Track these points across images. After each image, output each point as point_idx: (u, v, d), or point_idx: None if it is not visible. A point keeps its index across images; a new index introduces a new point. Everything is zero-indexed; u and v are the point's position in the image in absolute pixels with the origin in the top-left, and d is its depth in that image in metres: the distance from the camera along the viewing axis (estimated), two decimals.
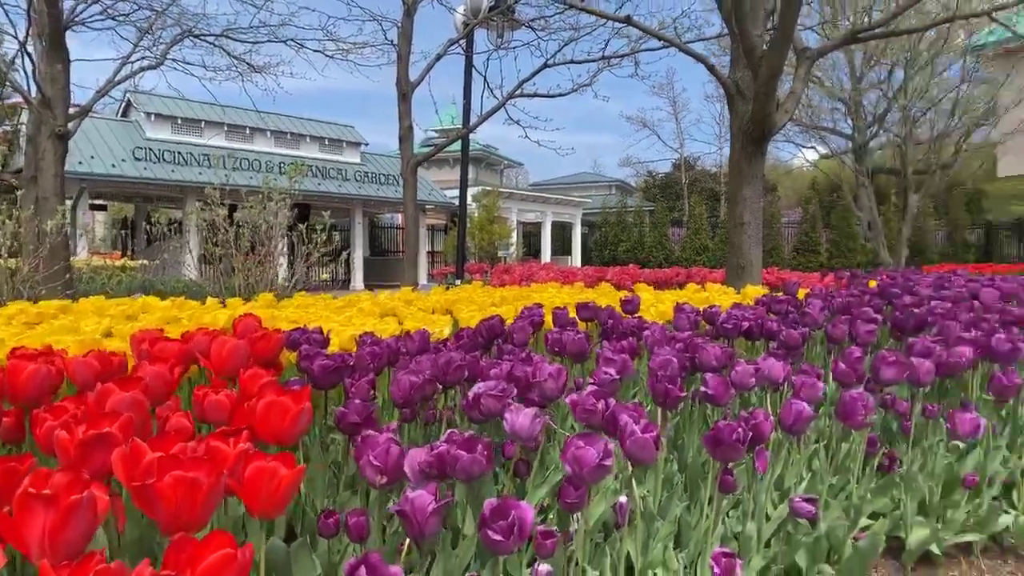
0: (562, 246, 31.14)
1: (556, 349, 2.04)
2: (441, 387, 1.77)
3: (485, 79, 8.61)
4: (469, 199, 25.70)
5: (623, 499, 1.64)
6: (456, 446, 1.31)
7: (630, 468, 1.80)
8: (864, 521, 1.95)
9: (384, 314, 3.18)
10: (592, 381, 1.75)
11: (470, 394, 1.55)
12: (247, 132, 18.78)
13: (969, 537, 1.99)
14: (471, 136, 30.29)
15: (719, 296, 3.63)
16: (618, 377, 1.76)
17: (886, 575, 1.93)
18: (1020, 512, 2.08)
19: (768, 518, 1.81)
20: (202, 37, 8.52)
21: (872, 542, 1.74)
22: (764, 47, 4.90)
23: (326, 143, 20.30)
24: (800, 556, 1.73)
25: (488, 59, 8.85)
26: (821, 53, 5.97)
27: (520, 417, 1.44)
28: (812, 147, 23.28)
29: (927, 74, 17.86)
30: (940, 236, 22.99)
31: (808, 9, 13.19)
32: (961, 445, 2.05)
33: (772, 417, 1.64)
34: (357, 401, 1.52)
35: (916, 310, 2.49)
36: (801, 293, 3.44)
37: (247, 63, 9.21)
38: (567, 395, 1.63)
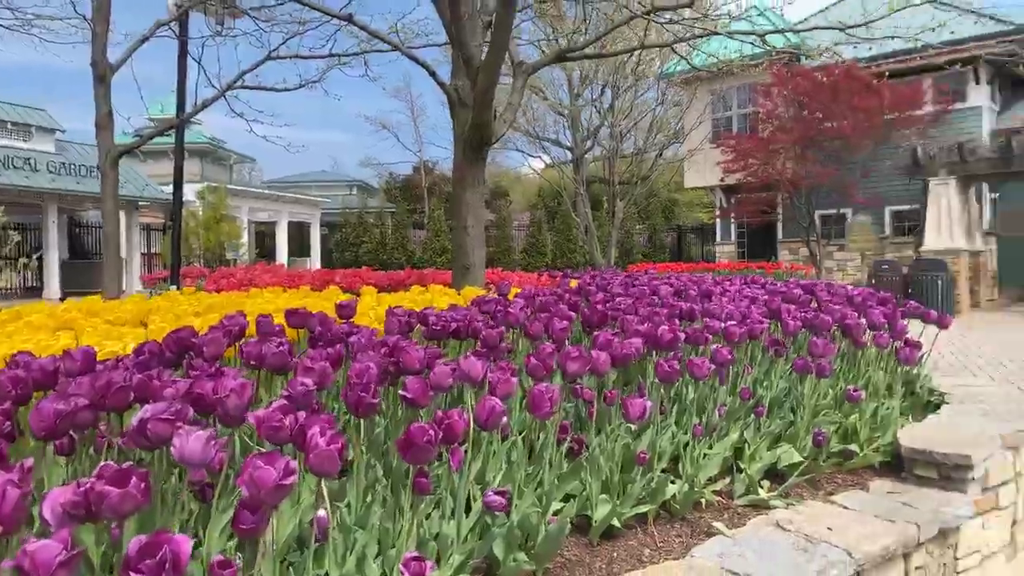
0: (300, 247, 29.95)
1: (253, 361, 1.91)
2: (105, 413, 1.55)
3: (201, 67, 7.92)
4: (193, 196, 23.56)
5: (322, 513, 1.58)
6: (106, 481, 1.15)
7: (330, 484, 1.75)
8: (556, 505, 2.10)
9: (60, 328, 2.76)
10: (285, 394, 1.66)
11: (134, 419, 1.37)
12: None
13: (643, 508, 2.25)
14: (196, 128, 27.63)
15: (440, 297, 3.71)
16: (314, 388, 1.69)
17: (577, 553, 2.10)
18: (684, 481, 2.40)
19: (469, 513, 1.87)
20: None
21: (559, 525, 1.88)
22: (482, 58, 5.13)
23: (8, 127, 17.24)
24: (497, 546, 1.81)
25: (204, 46, 8.12)
26: (535, 68, 6.41)
27: (191, 441, 1.31)
28: (538, 156, 25.06)
29: (631, 96, 20.20)
30: (643, 239, 26.12)
31: (532, 26, 14.15)
32: (633, 427, 2.30)
33: (466, 416, 1.69)
34: None
35: (600, 307, 2.76)
36: (513, 293, 3.64)
37: None
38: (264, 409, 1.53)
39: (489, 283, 5.77)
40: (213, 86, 7.79)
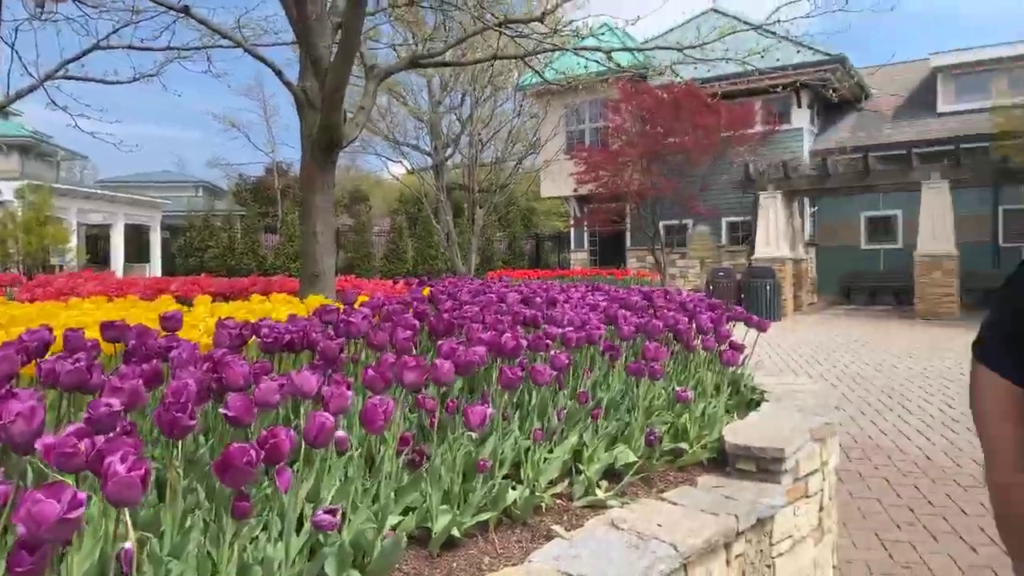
0: (139, 252, 27.79)
1: (50, 381, 1.73)
2: None
3: (15, 52, 7.15)
4: (11, 195, 21.21)
5: (128, 545, 1.45)
6: None
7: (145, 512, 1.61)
8: (395, 519, 2.06)
9: None
10: (85, 416, 1.51)
11: None
12: None
13: (485, 516, 2.26)
14: (16, 120, 24.84)
15: (281, 307, 3.55)
16: (121, 409, 1.55)
17: (416, 565, 2.07)
18: (526, 486, 2.43)
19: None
20: None
21: (395, 540, 1.84)
22: (332, 59, 4.99)
23: None
24: (329, 566, 1.75)
25: (18, 30, 7.34)
26: (388, 72, 6.33)
27: None
28: (399, 161, 24.85)
29: (490, 105, 20.49)
30: (503, 246, 26.55)
31: (392, 29, 13.98)
32: (474, 435, 2.31)
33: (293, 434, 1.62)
34: None
35: (447, 315, 2.76)
36: (361, 301, 3.56)
37: None
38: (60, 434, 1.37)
39: (341, 291, 5.61)
40: (30, 74, 7.07)
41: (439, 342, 2.46)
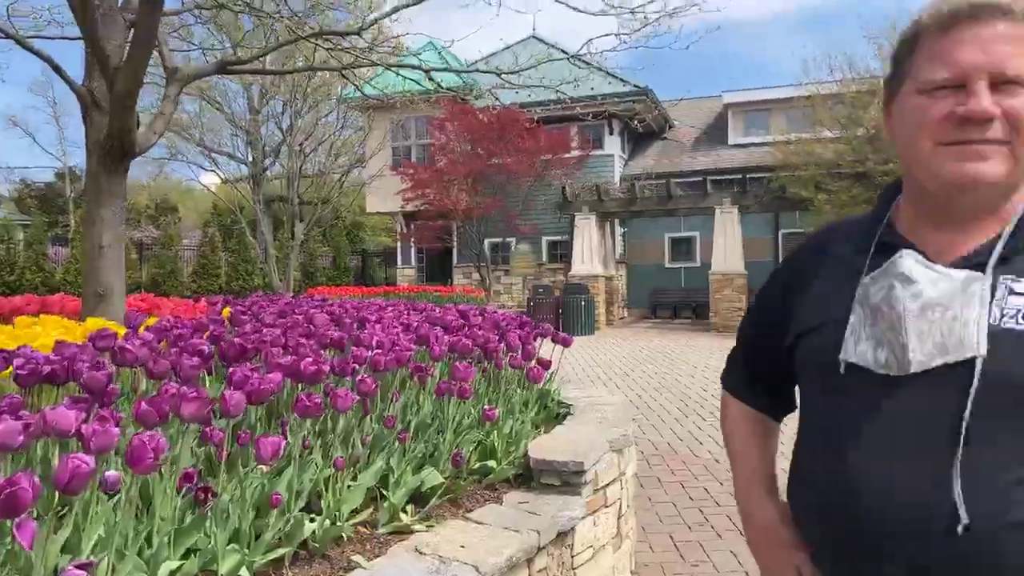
0: None
1: None
2: None
3: None
4: None
5: None
6: None
7: None
8: (174, 563, 1.89)
9: None
10: None
11: None
12: None
13: (279, 552, 2.13)
14: None
15: (53, 331, 3.17)
16: None
17: None
18: (325, 517, 2.33)
19: None
20: None
21: None
22: (123, 59, 4.58)
23: None
24: None
25: None
26: (192, 77, 5.93)
27: None
28: (214, 170, 23.31)
29: (313, 116, 19.88)
30: (327, 261, 25.75)
31: (206, 31, 13.10)
32: (265, 468, 2.18)
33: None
34: None
35: (240, 340, 2.59)
36: (148, 323, 3.26)
37: None
38: None
39: (137, 311, 5.12)
40: None
41: (231, 369, 2.30)
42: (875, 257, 1.01)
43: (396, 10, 5.86)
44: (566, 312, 15.43)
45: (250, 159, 21.03)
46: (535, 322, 4.32)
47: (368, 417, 2.77)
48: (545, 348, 3.89)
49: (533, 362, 3.54)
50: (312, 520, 2.27)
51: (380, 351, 2.81)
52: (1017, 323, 0.89)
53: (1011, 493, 0.86)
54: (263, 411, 2.73)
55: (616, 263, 19.92)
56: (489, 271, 19.17)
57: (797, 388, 1.16)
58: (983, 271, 0.93)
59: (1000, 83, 0.90)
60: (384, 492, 2.61)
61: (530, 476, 3.05)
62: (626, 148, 21.50)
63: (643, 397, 7.96)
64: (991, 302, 0.91)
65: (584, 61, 8.42)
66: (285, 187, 21.47)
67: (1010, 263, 0.93)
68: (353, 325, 3.41)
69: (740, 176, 17.10)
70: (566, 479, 2.91)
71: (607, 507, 3.12)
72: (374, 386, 2.61)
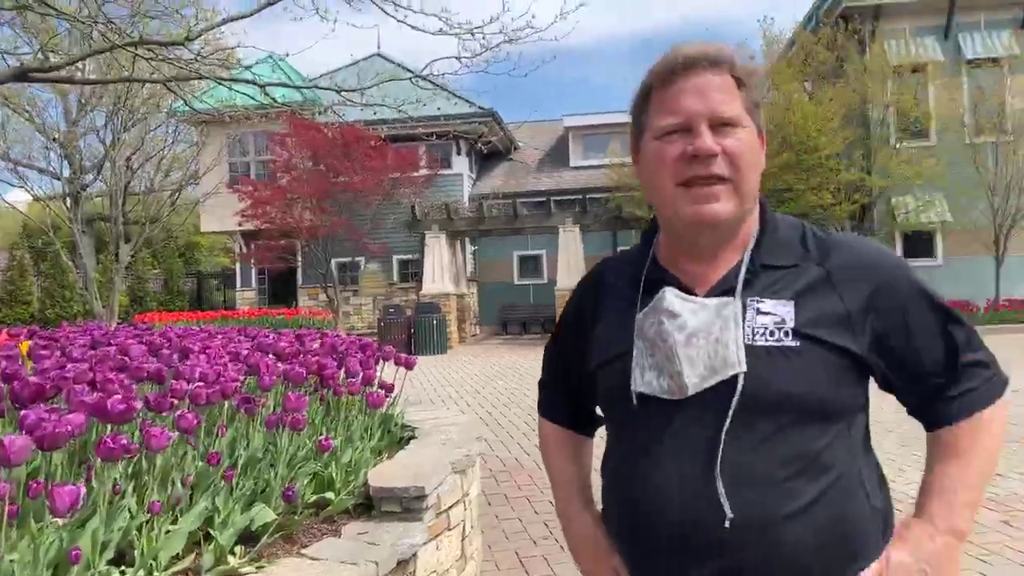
0: None
1: None
2: None
3: None
4: None
5: None
6: None
7: None
8: None
9: None
10: None
11: None
12: None
13: None
14: None
15: None
16: None
17: None
18: (139, 567, 2.14)
19: None
20: None
21: None
22: None
23: None
24: None
25: None
26: None
27: None
28: (24, 187, 20.98)
29: (142, 129, 18.44)
30: (159, 285, 23.94)
31: (11, 32, 11.78)
32: (61, 521, 1.97)
33: None
34: None
35: (37, 378, 2.33)
36: None
37: None
38: None
39: None
40: None
41: (22, 412, 2.06)
42: (645, 292, 1.13)
43: (226, 21, 5.59)
44: (418, 331, 15.32)
45: (67, 175, 19.14)
46: (386, 343, 4.25)
47: (190, 455, 2.59)
48: (390, 371, 3.82)
49: (375, 386, 3.47)
50: (123, 573, 2.08)
51: (203, 383, 2.63)
52: (765, 339, 1.02)
53: (775, 490, 0.98)
54: (64, 456, 2.47)
55: (467, 281, 20.08)
56: (337, 292, 18.66)
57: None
58: (733, 295, 1.06)
59: (718, 125, 1.04)
60: (211, 532, 2.44)
61: (371, 505, 2.97)
62: (474, 168, 21.83)
63: (493, 414, 8.04)
64: (743, 323, 1.03)
65: (431, 81, 8.45)
66: (109, 205, 19.75)
67: (753, 286, 1.07)
68: (173, 356, 3.18)
69: (581, 197, 17.87)
70: (407, 505, 2.86)
71: (450, 530, 3.10)
72: (196, 422, 2.44)
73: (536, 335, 20.22)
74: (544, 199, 18.31)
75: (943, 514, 1.05)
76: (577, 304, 1.31)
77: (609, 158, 19.12)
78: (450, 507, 3.12)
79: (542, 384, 1.47)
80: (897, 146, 15.15)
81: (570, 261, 17.07)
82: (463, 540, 3.27)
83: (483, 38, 6.70)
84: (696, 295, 1.09)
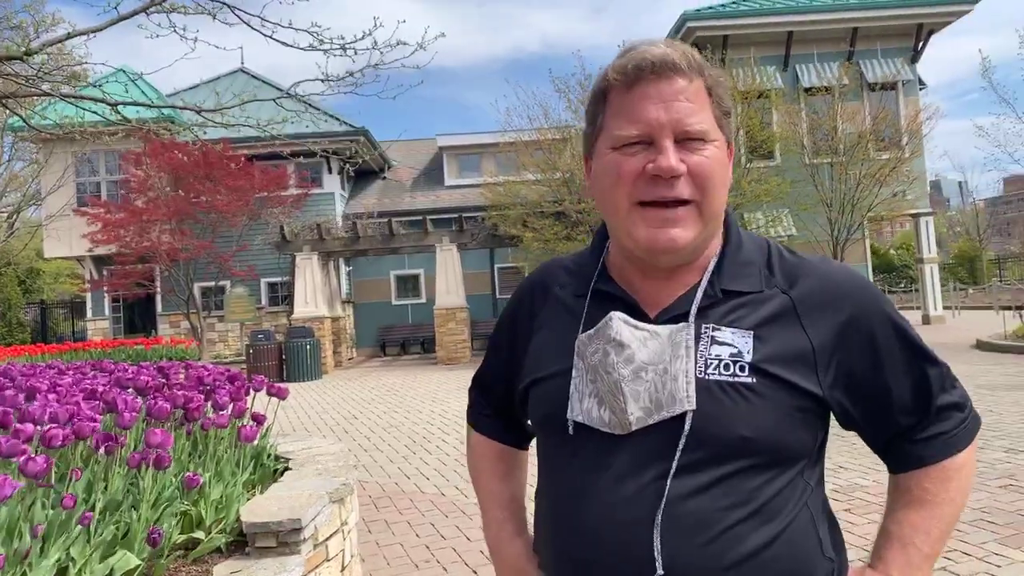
0: None
1: None
2: None
3: None
4: None
5: None
6: None
7: None
8: None
9: None
10: None
11: None
12: None
13: None
14: None
15: None
16: None
17: None
18: None
19: None
20: None
21: None
22: None
23: None
24: None
25: None
26: None
27: None
28: None
29: None
30: None
31: None
32: None
33: None
34: None
35: None
36: None
37: None
38: None
39: None
40: None
41: None
42: (591, 305, 1.03)
43: (71, 36, 5.24)
44: (290, 357, 14.79)
45: None
46: (255, 370, 4.11)
47: (42, 501, 2.40)
48: (261, 401, 3.70)
49: (246, 419, 3.35)
50: None
51: (55, 425, 2.46)
52: (719, 374, 0.92)
53: (720, 537, 0.89)
54: None
55: (343, 303, 19.63)
56: (201, 318, 17.70)
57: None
58: (687, 319, 0.96)
59: (684, 140, 0.92)
60: None
61: (246, 542, 2.87)
62: (347, 187, 21.45)
63: (371, 439, 7.91)
64: (696, 352, 0.94)
65: (301, 99, 8.26)
66: None
67: (710, 312, 0.96)
68: (19, 396, 2.93)
69: (457, 215, 18.00)
70: (283, 539, 2.79)
71: (329, 560, 3.05)
72: (46, 466, 2.27)
73: (415, 355, 20.06)
74: (420, 218, 18.28)
75: (899, 565, 0.97)
76: (513, 311, 1.18)
77: (484, 177, 19.39)
78: (328, 538, 3.06)
79: (472, 393, 1.32)
80: (748, 166, 16.38)
81: (448, 279, 17.12)
82: (343, 570, 3.22)
83: (355, 53, 6.65)
84: (647, 316, 0.99)
